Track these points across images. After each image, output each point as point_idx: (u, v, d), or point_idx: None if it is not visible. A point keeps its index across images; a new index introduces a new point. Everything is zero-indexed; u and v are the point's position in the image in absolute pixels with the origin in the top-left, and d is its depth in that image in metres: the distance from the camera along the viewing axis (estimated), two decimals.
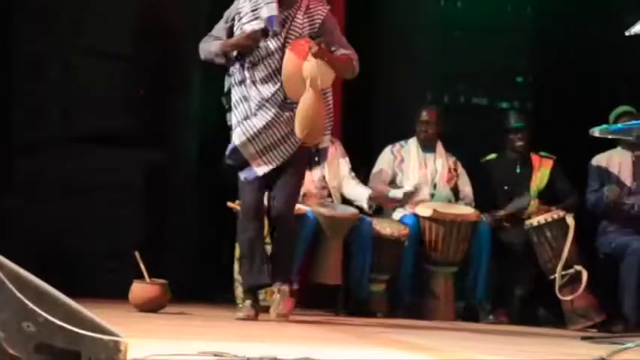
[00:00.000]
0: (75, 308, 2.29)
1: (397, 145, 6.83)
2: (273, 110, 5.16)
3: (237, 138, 5.22)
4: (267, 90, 5.17)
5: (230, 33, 5.30)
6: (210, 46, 5.29)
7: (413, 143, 6.83)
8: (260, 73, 5.19)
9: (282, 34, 5.18)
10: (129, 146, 7.05)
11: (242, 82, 5.24)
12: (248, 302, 5.24)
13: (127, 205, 7.11)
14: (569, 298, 6.37)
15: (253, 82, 5.20)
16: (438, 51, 8.24)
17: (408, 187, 6.60)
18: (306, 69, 5.05)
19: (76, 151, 7.07)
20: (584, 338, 5.23)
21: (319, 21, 5.24)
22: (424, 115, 6.84)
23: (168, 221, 7.27)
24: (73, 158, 7.02)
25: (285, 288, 5.21)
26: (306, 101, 5.04)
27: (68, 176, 7.03)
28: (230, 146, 5.28)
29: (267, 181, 5.25)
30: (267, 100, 5.17)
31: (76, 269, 6.81)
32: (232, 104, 5.28)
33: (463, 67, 8.37)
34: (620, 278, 6.42)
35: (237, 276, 6.01)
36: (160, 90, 7.15)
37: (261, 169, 5.19)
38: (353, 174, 6.54)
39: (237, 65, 5.26)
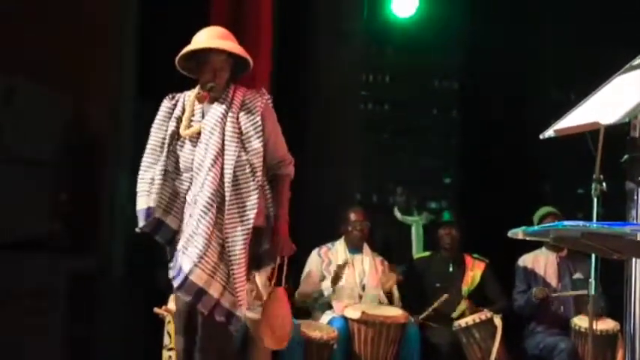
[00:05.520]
0: None
1: (324, 248, 6.84)
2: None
3: (187, 265, 4.61)
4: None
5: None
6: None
7: (340, 245, 6.85)
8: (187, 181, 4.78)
9: (216, 136, 4.62)
10: (53, 253, 6.95)
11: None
12: None
13: (52, 313, 6.98)
14: None
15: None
16: (366, 152, 8.33)
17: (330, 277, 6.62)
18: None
19: None
20: None
21: (258, 116, 4.64)
22: (352, 215, 6.88)
23: (95, 329, 7.15)
24: None
25: None
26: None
27: None
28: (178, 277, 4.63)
29: None
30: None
31: None
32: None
33: (391, 168, 8.47)
34: None
35: None
36: (84, 196, 7.10)
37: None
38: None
39: None
